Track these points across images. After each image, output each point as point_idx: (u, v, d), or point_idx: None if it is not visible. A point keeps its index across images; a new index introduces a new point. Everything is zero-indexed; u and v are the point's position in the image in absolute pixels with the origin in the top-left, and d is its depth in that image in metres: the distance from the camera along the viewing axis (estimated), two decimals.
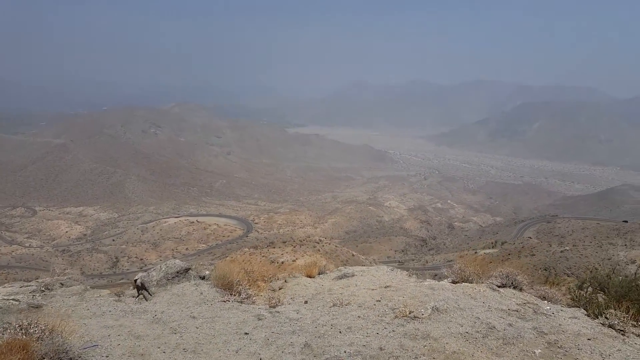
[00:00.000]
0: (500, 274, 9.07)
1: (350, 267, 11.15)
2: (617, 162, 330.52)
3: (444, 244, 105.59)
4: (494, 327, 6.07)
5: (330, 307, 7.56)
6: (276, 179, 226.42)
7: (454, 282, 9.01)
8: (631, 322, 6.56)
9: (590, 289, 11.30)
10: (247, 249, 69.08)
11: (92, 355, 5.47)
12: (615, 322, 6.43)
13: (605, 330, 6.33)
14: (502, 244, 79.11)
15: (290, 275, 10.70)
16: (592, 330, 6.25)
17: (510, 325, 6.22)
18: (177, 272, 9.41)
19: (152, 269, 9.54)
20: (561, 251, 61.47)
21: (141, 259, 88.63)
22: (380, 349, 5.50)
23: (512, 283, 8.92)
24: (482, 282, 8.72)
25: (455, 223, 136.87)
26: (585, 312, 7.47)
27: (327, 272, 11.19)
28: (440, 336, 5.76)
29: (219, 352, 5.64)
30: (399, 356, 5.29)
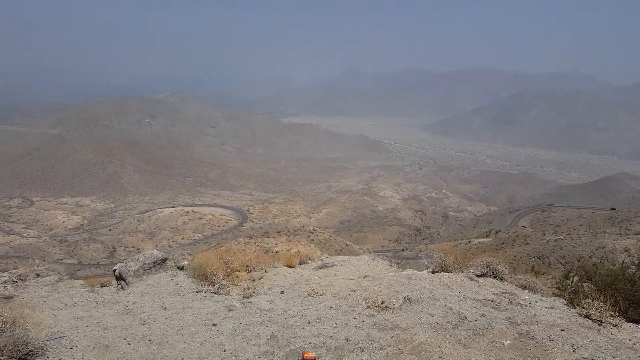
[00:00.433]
0: (481, 263, 8.97)
1: (332, 257, 11.07)
2: (614, 151, 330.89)
3: (438, 234, 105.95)
4: (466, 318, 5.97)
5: (305, 298, 7.46)
6: (270, 169, 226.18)
7: (433, 271, 8.92)
8: (609, 312, 6.47)
9: (576, 278, 11.26)
10: (242, 239, 69.09)
11: (56, 347, 5.35)
12: (592, 312, 6.33)
13: (582, 320, 6.24)
14: (496, 233, 79.36)
15: (271, 265, 10.60)
16: (568, 320, 6.15)
17: (482, 315, 6.12)
18: (154, 263, 9.27)
19: (129, 259, 9.41)
20: (555, 240, 61.76)
21: (137, 249, 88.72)
22: (347, 339, 5.40)
23: (492, 272, 8.82)
24: (461, 272, 8.63)
25: (450, 212, 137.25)
26: (565, 302, 7.38)
27: (309, 262, 11.11)
28: (409, 327, 5.66)
29: (184, 344, 5.52)
30: (365, 347, 5.19)
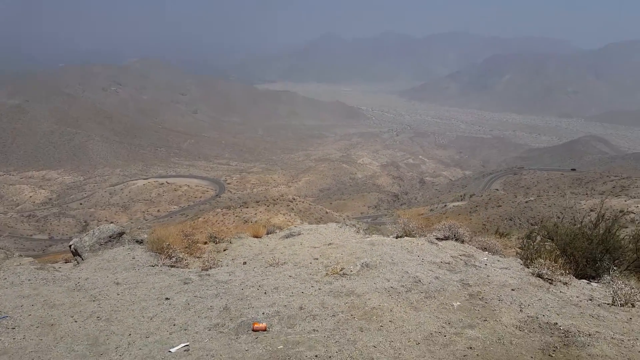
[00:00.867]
0: (443, 226, 9.05)
1: (299, 226, 11.02)
2: (582, 114, 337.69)
3: (416, 199, 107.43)
4: (420, 281, 6.00)
5: (266, 268, 7.39)
6: (247, 138, 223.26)
7: (397, 237, 8.96)
8: (560, 270, 6.59)
9: (538, 238, 11.52)
10: (220, 210, 68.80)
11: None
12: (544, 271, 6.43)
13: (533, 280, 6.34)
14: (471, 196, 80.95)
15: (236, 236, 10.48)
16: (520, 280, 6.24)
17: (436, 278, 6.16)
18: (110, 237, 9.02)
19: (85, 234, 9.13)
20: (526, 202, 63.43)
21: (111, 222, 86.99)
22: (300, 308, 5.36)
23: (454, 235, 8.91)
24: (424, 236, 8.69)
25: (427, 178, 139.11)
26: (521, 262, 7.51)
27: (277, 231, 11.03)
28: (364, 292, 5.64)
29: (133, 320, 5.39)
30: (317, 314, 5.16)
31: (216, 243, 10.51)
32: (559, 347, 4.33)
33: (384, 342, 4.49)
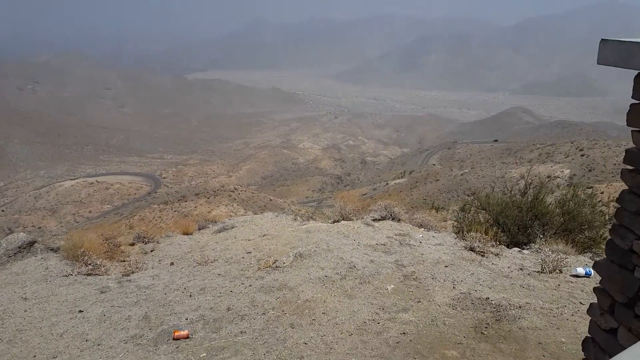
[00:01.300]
0: (380, 207, 8.96)
1: (233, 219, 10.53)
2: (506, 87, 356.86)
3: (359, 179, 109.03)
4: (355, 267, 5.80)
5: (194, 267, 6.90)
6: (181, 129, 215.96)
7: (334, 221, 8.76)
8: (491, 242, 6.66)
9: (472, 209, 11.79)
10: (156, 206, 66.26)
11: None
12: (476, 244, 6.47)
13: (466, 254, 6.34)
14: (410, 173, 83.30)
15: (164, 235, 9.85)
16: (453, 256, 6.21)
17: (371, 261, 5.99)
18: (20, 247, 8.13)
19: None
20: (461, 174, 66.21)
21: (39, 228, 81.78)
22: (228, 309, 4.97)
23: (390, 215, 8.85)
24: (361, 218, 8.55)
25: (367, 158, 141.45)
26: (455, 236, 7.56)
27: (209, 226, 10.48)
28: (297, 284, 5.35)
29: (40, 339, 4.77)
30: (246, 314, 4.80)
31: (145, 243, 9.84)
32: (491, 324, 4.28)
33: (316, 337, 4.23)
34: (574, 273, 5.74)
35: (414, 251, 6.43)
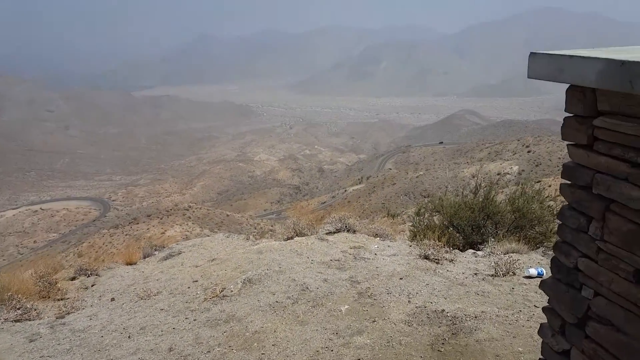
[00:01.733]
0: (334, 219, 8.74)
1: (181, 243, 10.00)
2: (454, 91, 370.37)
3: (317, 188, 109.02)
4: (308, 288, 5.51)
5: (136, 302, 6.39)
6: (130, 149, 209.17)
7: (288, 238, 8.45)
8: (445, 248, 6.58)
9: (427, 213, 11.80)
10: (106, 230, 63.39)
11: None
12: (430, 252, 6.35)
13: (421, 263, 6.21)
14: (368, 178, 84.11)
15: (106, 267, 9.20)
16: (407, 266, 6.06)
17: (325, 280, 5.73)
18: None
19: None
20: (417, 177, 67.46)
21: None
22: (170, 349, 4.55)
23: (346, 226, 8.65)
24: (316, 233, 8.30)
25: (325, 166, 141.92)
26: (410, 244, 7.44)
27: (155, 253, 9.90)
28: (245, 314, 5.00)
29: None
30: (189, 354, 4.40)
31: (88, 276, 9.14)
32: (447, 339, 4.12)
33: None
34: (526, 274, 5.72)
35: (368, 265, 6.23)
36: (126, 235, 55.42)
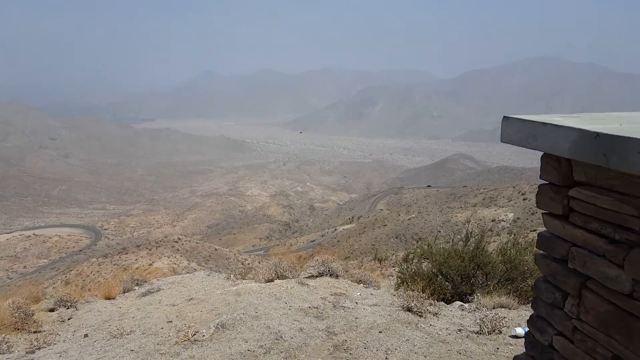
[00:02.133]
0: (317, 262, 8.55)
1: (161, 279, 9.74)
2: (448, 135, 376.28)
3: (307, 225, 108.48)
4: (282, 337, 5.28)
5: (108, 341, 6.13)
6: (125, 179, 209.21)
7: (269, 280, 8.23)
8: (430, 300, 6.39)
9: (415, 259, 11.61)
10: (95, 259, 62.44)
11: None
12: (413, 304, 6.16)
13: (403, 315, 6.00)
14: (358, 218, 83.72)
15: (84, 300, 8.93)
16: (389, 318, 5.85)
17: (301, 330, 5.50)
18: None
19: None
20: (409, 219, 67.15)
21: None
22: None
23: (329, 271, 8.45)
24: (297, 276, 8.10)
25: (316, 204, 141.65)
26: (394, 293, 7.25)
27: (135, 288, 9.64)
28: None
29: None
30: None
31: (67, 308, 8.91)
32: None
33: None
34: (513, 334, 5.51)
35: (348, 314, 6.01)
36: (114, 265, 54.48)
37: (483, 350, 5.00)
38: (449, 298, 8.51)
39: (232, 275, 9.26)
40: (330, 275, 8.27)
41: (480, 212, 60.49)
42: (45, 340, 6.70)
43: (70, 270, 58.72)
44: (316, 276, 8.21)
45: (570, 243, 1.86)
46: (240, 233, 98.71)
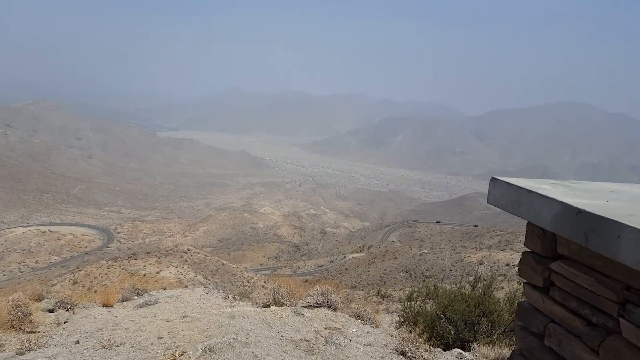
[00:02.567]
0: (316, 292, 8.40)
1: (160, 292, 9.69)
2: (469, 172, 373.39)
3: (316, 249, 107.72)
4: None
5: (97, 351, 6.07)
6: (144, 185, 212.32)
7: (265, 305, 8.09)
8: (425, 345, 6.18)
9: (420, 299, 11.35)
10: (104, 262, 62.86)
11: None
12: (408, 348, 5.96)
13: (395, 359, 5.79)
14: (369, 248, 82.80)
15: (82, 305, 8.92)
16: None
17: None
18: None
19: None
20: (420, 254, 66.08)
21: None
22: None
23: (327, 302, 8.29)
24: (295, 304, 7.95)
25: (327, 228, 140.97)
26: (390, 333, 7.04)
27: (134, 298, 9.60)
28: None
29: None
30: None
31: (67, 310, 8.91)
32: None
33: None
34: None
35: (339, 352, 5.83)
36: (122, 269, 54.76)
37: None
38: (451, 343, 8.25)
39: (230, 296, 9.15)
40: (328, 307, 8.11)
41: (494, 255, 59.19)
42: (37, 342, 6.69)
43: (80, 270, 59.18)
44: (314, 306, 8.06)
45: (548, 318, 1.77)
46: (249, 250, 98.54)
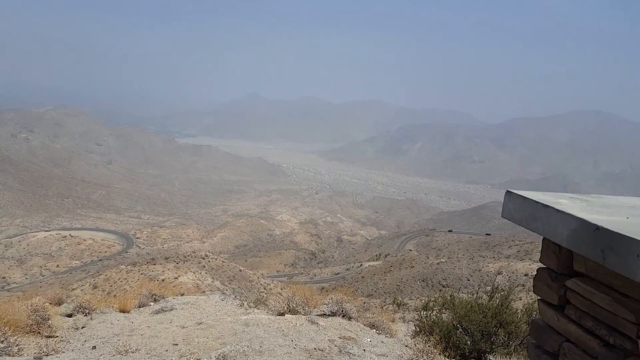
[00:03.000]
0: (331, 300, 8.38)
1: (176, 298, 9.79)
2: (488, 181, 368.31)
3: (333, 257, 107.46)
4: None
5: (113, 356, 6.15)
6: (163, 191, 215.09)
7: (280, 314, 8.10)
8: (441, 356, 6.11)
9: (436, 309, 11.22)
10: (124, 266, 63.76)
11: None
12: (423, 359, 5.89)
13: None
14: (386, 256, 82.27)
15: (100, 311, 9.05)
16: None
17: None
18: None
19: None
20: (437, 263, 65.38)
21: (3, 278, 78.37)
22: None
23: (342, 311, 8.26)
24: (309, 313, 7.95)
25: (344, 236, 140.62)
26: (405, 344, 6.98)
27: (151, 304, 9.71)
28: None
29: None
30: None
31: (85, 315, 9.05)
32: None
33: None
34: None
35: None
36: (141, 274, 55.44)
37: None
38: (467, 354, 8.13)
39: (245, 303, 9.19)
40: (343, 316, 8.08)
41: (513, 265, 58.24)
42: (55, 347, 6.78)
43: (100, 275, 60.13)
44: (328, 315, 8.04)
45: (563, 337, 1.70)
46: (266, 257, 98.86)
